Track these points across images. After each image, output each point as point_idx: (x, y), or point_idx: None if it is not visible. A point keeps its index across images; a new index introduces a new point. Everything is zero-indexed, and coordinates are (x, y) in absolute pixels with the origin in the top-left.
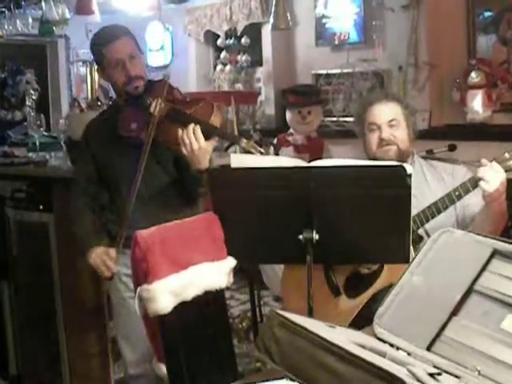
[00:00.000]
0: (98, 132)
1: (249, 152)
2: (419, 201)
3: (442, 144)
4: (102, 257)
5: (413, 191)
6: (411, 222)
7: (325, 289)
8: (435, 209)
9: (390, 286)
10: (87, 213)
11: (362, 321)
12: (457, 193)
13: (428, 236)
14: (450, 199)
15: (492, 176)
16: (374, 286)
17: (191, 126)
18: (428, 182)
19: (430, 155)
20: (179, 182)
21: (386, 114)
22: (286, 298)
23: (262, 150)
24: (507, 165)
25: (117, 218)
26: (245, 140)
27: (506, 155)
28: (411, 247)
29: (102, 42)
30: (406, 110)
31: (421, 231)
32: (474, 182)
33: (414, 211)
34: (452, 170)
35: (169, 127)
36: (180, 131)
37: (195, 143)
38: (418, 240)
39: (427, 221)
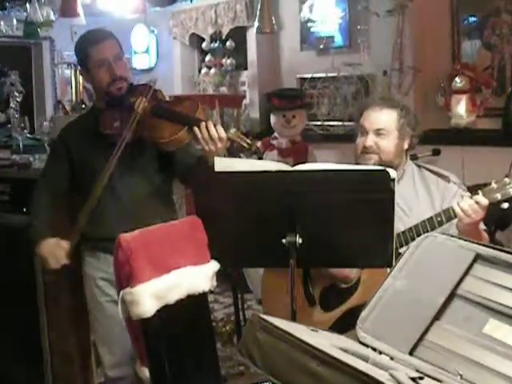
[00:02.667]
0: (75, 132)
1: (234, 141)
2: (407, 216)
3: (427, 148)
4: (52, 247)
5: (401, 204)
6: (394, 226)
7: (301, 296)
8: (415, 232)
9: (364, 305)
10: (46, 206)
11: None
12: (439, 218)
13: None
14: (431, 224)
15: (472, 211)
16: (349, 301)
17: (214, 124)
18: (418, 193)
19: (413, 160)
20: (160, 180)
21: (377, 121)
22: (266, 301)
23: (248, 141)
24: (493, 196)
25: (90, 218)
26: (232, 130)
27: (494, 186)
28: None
29: (88, 43)
30: (403, 119)
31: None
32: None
33: (399, 226)
34: (444, 190)
35: (153, 123)
36: (204, 130)
37: (219, 141)
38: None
39: (406, 243)
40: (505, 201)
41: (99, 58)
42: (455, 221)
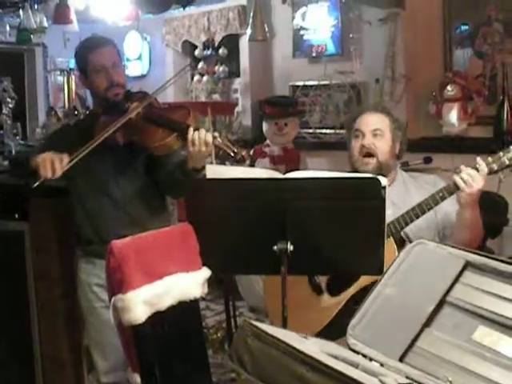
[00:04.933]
0: (73, 133)
1: (220, 149)
2: (402, 211)
3: (418, 156)
4: (50, 156)
5: (396, 201)
6: (385, 233)
7: (308, 288)
8: (419, 210)
9: (373, 284)
10: None
11: (344, 318)
12: (440, 194)
13: (409, 240)
14: (433, 200)
15: (470, 180)
16: (357, 283)
17: (203, 130)
18: (410, 192)
19: (405, 167)
20: (153, 183)
21: (372, 122)
22: (271, 306)
23: (235, 149)
24: (490, 167)
25: (85, 220)
26: (219, 138)
27: (489, 159)
28: (396, 251)
29: (88, 48)
30: (395, 123)
31: (402, 234)
32: (456, 186)
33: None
34: (433, 180)
35: (145, 127)
36: (191, 130)
37: (203, 145)
38: (401, 243)
39: (411, 221)
40: (500, 170)
41: (98, 64)
42: (453, 208)
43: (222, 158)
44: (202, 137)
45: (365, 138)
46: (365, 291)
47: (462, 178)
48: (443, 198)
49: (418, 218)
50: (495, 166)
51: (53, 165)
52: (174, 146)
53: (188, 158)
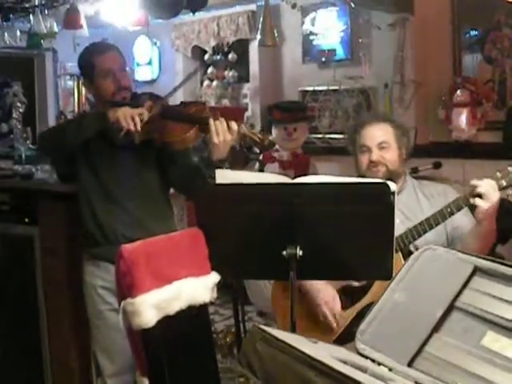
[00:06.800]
0: None
1: (245, 136)
2: (411, 221)
3: (427, 162)
4: (130, 111)
5: (405, 211)
6: (394, 239)
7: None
8: (427, 225)
9: None
10: None
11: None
12: (449, 209)
13: None
14: (441, 215)
15: (490, 192)
16: (364, 299)
17: (223, 118)
18: (420, 201)
19: (415, 173)
20: (162, 185)
21: (377, 136)
22: (278, 312)
23: (260, 135)
24: (499, 183)
25: (92, 222)
26: (243, 126)
27: (498, 174)
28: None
29: (94, 53)
30: (398, 130)
31: (412, 247)
32: (466, 200)
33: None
34: (444, 191)
35: (163, 123)
36: (212, 121)
37: (228, 134)
38: (408, 255)
39: (419, 236)
40: (510, 186)
41: (105, 68)
42: (463, 221)
43: (246, 147)
44: (224, 125)
45: (372, 154)
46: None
47: (478, 195)
48: (451, 214)
49: (425, 233)
50: (504, 182)
51: (133, 118)
52: (195, 140)
53: (212, 150)
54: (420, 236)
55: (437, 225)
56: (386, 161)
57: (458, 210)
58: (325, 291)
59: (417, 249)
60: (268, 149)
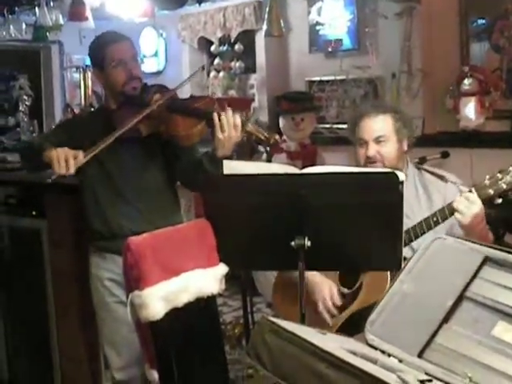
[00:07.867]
0: (84, 128)
1: (251, 134)
2: (410, 219)
3: (435, 151)
4: (65, 152)
5: (404, 208)
6: (403, 228)
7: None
8: (413, 233)
9: (367, 308)
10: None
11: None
12: (434, 218)
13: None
14: (427, 224)
15: (466, 209)
16: (352, 305)
17: (230, 111)
18: (419, 198)
19: (422, 162)
20: (167, 178)
21: (374, 130)
22: (278, 303)
23: (266, 134)
24: (485, 192)
25: (97, 215)
26: (250, 123)
27: (486, 182)
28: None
29: (106, 43)
30: (398, 122)
31: (406, 250)
32: (452, 209)
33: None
34: (444, 189)
35: (171, 117)
36: (217, 116)
37: (233, 130)
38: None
39: (410, 241)
40: (498, 196)
41: (117, 58)
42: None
43: (252, 144)
44: (230, 120)
45: (368, 149)
46: (359, 315)
47: (457, 208)
48: (436, 224)
49: (411, 242)
50: (491, 192)
51: (67, 162)
52: (202, 134)
53: (217, 146)
54: (406, 245)
55: (422, 234)
56: (383, 157)
57: (444, 220)
58: (323, 285)
59: (413, 251)
60: (273, 147)
